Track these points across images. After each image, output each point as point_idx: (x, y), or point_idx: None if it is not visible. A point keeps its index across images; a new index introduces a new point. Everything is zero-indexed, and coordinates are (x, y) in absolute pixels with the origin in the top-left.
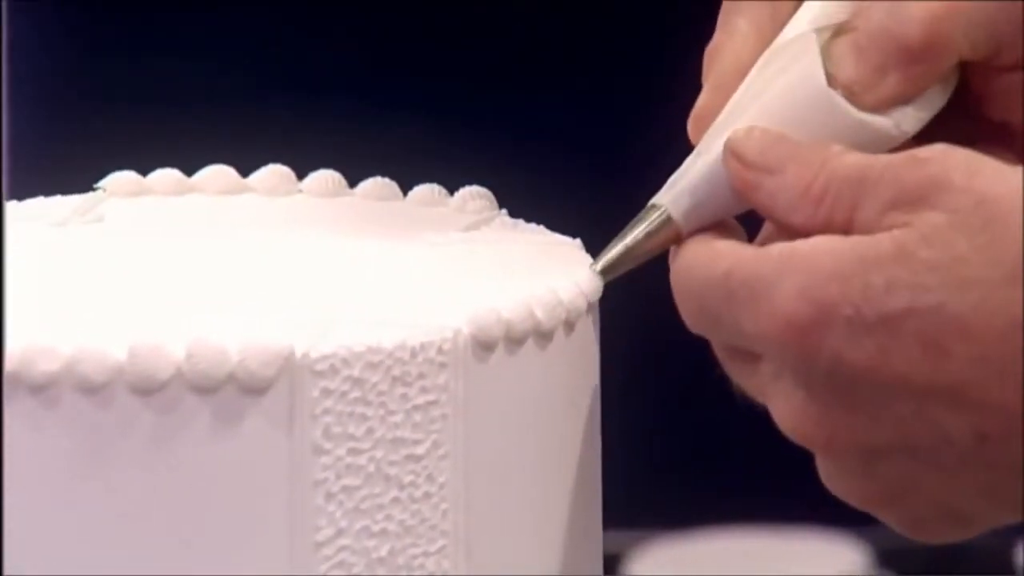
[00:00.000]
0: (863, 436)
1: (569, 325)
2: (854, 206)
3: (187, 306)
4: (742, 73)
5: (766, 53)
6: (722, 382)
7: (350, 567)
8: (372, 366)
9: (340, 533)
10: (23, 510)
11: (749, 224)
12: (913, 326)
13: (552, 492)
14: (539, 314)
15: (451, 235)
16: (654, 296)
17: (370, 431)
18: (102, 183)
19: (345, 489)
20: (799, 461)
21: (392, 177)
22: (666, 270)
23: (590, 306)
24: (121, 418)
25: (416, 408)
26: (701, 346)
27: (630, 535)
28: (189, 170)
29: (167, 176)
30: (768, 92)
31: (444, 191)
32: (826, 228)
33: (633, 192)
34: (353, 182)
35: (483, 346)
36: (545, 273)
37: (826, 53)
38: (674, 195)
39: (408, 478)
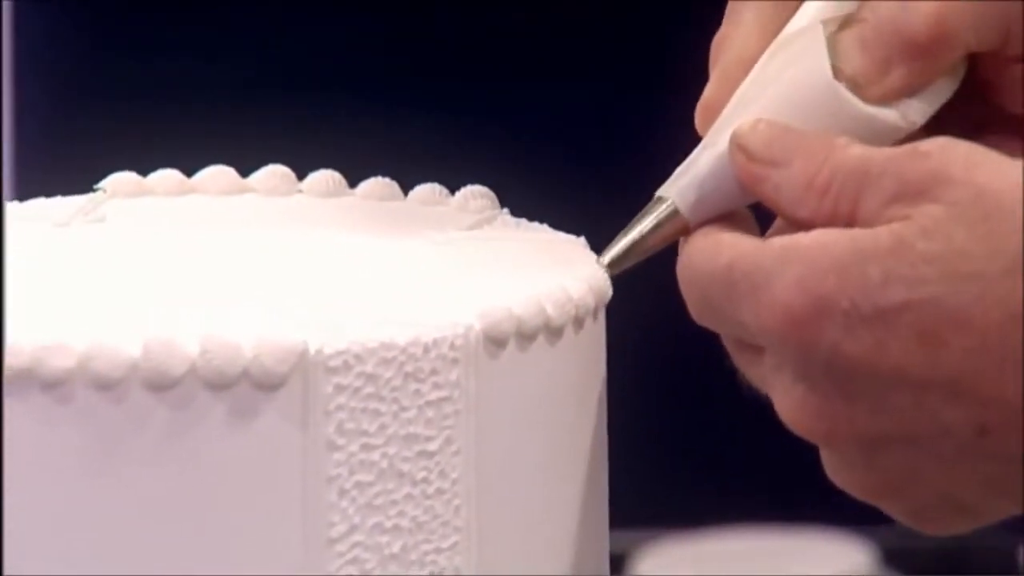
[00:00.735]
0: (863, 427)
1: (579, 321)
2: (857, 199)
3: (199, 303)
4: (748, 65)
5: (772, 45)
6: (731, 376)
7: (363, 563)
8: (385, 362)
9: (353, 529)
10: (37, 506)
11: (762, 217)
12: (910, 318)
13: (562, 487)
14: (550, 310)
15: (454, 234)
16: (662, 293)
17: (383, 427)
18: (102, 184)
19: (358, 485)
20: (806, 461)
21: (392, 177)
22: (673, 267)
23: (599, 303)
24: (135, 414)
25: (429, 404)
26: (708, 343)
27: (636, 534)
28: (189, 170)
29: (167, 177)
30: (774, 84)
31: (445, 191)
32: (831, 221)
33: (635, 192)
34: (353, 182)
35: (495, 342)
36: (553, 270)
37: (832, 46)
38: (680, 187)
39: (421, 474)
